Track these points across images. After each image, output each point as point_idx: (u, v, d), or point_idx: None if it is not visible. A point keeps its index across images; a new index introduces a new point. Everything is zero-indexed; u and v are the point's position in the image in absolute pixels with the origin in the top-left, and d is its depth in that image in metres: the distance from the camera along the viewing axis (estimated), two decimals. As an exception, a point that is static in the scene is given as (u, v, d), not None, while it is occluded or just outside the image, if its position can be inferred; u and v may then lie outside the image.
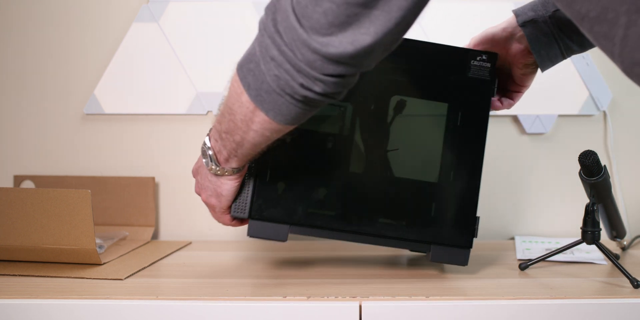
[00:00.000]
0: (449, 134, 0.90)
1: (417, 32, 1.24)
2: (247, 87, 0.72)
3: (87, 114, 1.27)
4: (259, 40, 0.70)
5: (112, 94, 1.26)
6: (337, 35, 0.65)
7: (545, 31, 0.88)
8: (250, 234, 0.90)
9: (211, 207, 0.90)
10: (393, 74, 0.90)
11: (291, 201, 0.89)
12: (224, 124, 0.79)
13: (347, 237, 0.90)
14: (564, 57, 0.91)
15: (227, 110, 0.77)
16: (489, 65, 0.91)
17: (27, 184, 1.25)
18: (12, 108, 1.28)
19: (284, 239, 0.90)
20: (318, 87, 0.68)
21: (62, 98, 1.28)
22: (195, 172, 0.91)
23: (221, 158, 0.83)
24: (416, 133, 0.91)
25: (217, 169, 0.84)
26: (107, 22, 1.26)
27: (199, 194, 0.91)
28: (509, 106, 0.96)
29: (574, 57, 1.23)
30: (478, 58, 0.91)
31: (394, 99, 0.90)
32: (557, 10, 0.86)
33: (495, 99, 0.95)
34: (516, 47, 0.90)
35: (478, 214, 0.91)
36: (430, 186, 0.90)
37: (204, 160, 0.85)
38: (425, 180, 0.90)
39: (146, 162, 1.27)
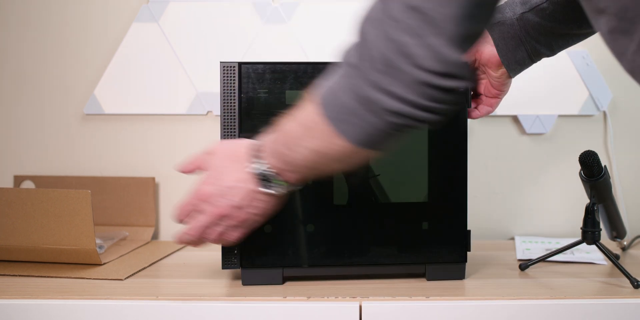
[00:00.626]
0: (431, 151, 0.89)
1: (417, 32, 1.24)
2: (351, 137, 0.67)
3: (87, 114, 1.27)
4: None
5: (112, 94, 1.25)
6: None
7: (512, 34, 0.86)
8: (245, 283, 0.89)
9: (243, 223, 0.80)
10: None
11: (280, 244, 0.89)
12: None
13: (341, 270, 0.90)
14: (532, 61, 0.89)
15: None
16: None
17: (27, 184, 1.25)
18: (12, 108, 1.28)
19: (279, 283, 0.89)
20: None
21: (62, 98, 1.28)
22: (236, 207, 0.79)
23: (287, 174, 0.75)
24: (397, 155, 0.89)
25: (282, 186, 0.77)
26: (107, 22, 1.26)
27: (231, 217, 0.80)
28: (487, 113, 0.95)
29: (574, 57, 1.24)
30: None
31: None
32: (525, 12, 0.85)
33: (472, 107, 0.93)
34: (489, 50, 0.88)
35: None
36: (419, 206, 0.90)
37: (262, 189, 0.77)
38: (414, 202, 0.90)
39: (146, 162, 1.27)
